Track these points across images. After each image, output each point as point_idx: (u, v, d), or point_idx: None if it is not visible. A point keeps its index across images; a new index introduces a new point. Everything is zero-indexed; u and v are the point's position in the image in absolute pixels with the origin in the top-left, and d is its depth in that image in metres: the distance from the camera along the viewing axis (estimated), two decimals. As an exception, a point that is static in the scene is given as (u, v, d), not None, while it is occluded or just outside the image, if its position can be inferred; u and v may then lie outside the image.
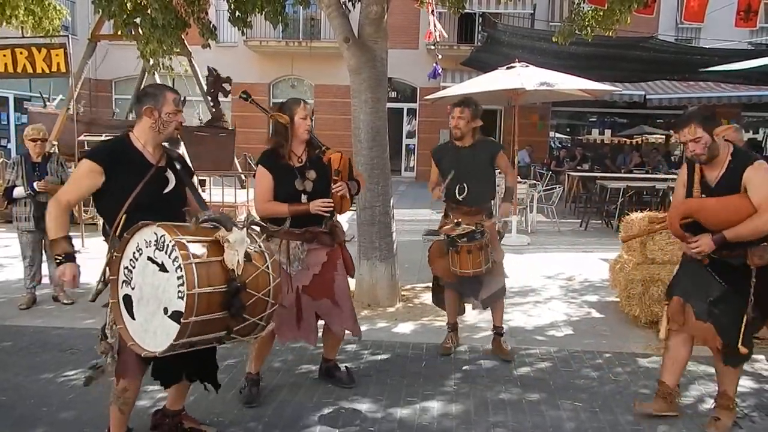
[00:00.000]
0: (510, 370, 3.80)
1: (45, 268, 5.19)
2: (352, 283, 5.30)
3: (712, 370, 3.30)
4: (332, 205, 3.15)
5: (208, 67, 10.43)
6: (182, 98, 2.66)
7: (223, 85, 10.33)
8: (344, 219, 9.39)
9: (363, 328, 4.51)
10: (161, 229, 2.20)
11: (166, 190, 2.57)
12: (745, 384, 3.63)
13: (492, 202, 4.09)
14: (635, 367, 3.89)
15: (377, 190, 5.05)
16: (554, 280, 6.27)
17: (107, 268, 2.41)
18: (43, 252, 5.13)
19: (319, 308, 3.27)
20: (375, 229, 5.10)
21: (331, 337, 3.49)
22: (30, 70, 8.34)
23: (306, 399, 3.34)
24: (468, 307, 4.37)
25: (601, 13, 6.49)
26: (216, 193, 8.88)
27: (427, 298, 5.41)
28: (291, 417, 3.14)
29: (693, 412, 3.25)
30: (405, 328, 4.62)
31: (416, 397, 3.39)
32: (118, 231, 2.41)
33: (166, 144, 2.65)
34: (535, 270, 6.58)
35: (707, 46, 11.87)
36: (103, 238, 2.56)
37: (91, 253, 5.36)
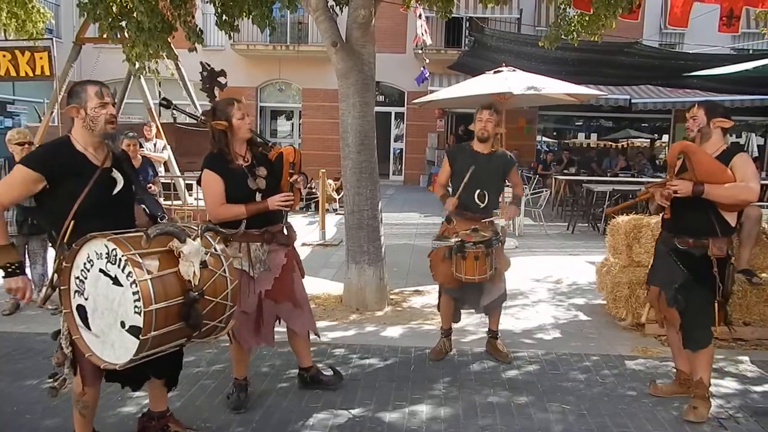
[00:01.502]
0: (498, 373, 3.81)
1: (29, 273, 5.11)
2: (339, 285, 5.32)
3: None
4: (293, 198, 3.10)
5: (201, 62, 10.25)
6: (110, 89, 2.51)
7: (218, 78, 10.19)
8: (332, 223, 9.40)
9: (351, 332, 4.55)
10: (112, 243, 2.14)
11: (115, 191, 2.48)
12: (730, 385, 3.68)
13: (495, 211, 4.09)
14: (622, 369, 3.92)
15: (365, 193, 5.05)
16: (542, 283, 6.30)
17: (56, 276, 2.34)
18: (27, 257, 5.06)
19: (280, 311, 3.24)
20: (363, 233, 5.09)
21: (299, 342, 3.43)
22: (13, 73, 8.26)
23: (294, 404, 3.32)
24: (463, 314, 4.35)
25: (587, 18, 6.55)
26: (202, 196, 8.83)
27: (416, 301, 5.43)
28: (279, 422, 3.12)
29: (678, 414, 3.27)
30: (393, 332, 4.62)
31: (405, 401, 3.39)
32: (66, 237, 2.32)
33: (106, 143, 2.51)
34: (523, 273, 6.60)
35: (691, 51, 12.04)
36: (50, 243, 2.48)
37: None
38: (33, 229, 4.89)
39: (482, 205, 3.81)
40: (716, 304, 3.11)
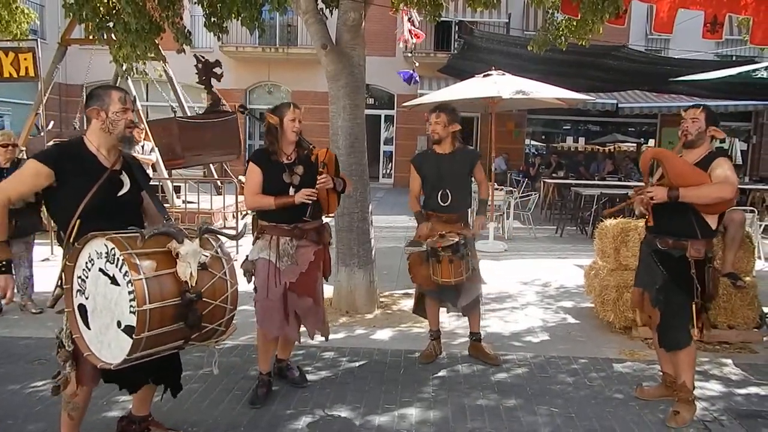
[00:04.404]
0: (487, 376, 3.82)
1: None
2: (329, 288, 5.31)
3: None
4: (316, 193, 3.24)
5: (195, 55, 10.27)
6: (132, 96, 2.65)
7: (214, 69, 10.23)
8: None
9: (341, 335, 4.53)
10: (110, 242, 2.16)
11: (120, 194, 2.52)
12: (714, 388, 3.72)
13: (468, 210, 4.14)
14: (610, 372, 3.94)
15: (355, 196, 5.04)
16: (530, 285, 6.33)
17: (63, 275, 2.37)
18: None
19: (299, 306, 3.32)
20: (353, 235, 5.09)
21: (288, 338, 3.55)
22: (-3, 74, 8.13)
23: (282, 407, 3.31)
24: (443, 313, 4.35)
25: (575, 23, 6.61)
26: (191, 199, 8.77)
27: (405, 304, 5.43)
28: (267, 425, 3.10)
29: (664, 417, 3.30)
30: (383, 334, 4.61)
31: (394, 404, 3.38)
32: (72, 237, 2.36)
33: (121, 147, 2.59)
34: (512, 276, 6.63)
35: (676, 57, 12.19)
36: (57, 243, 2.52)
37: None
38: (16, 231, 4.81)
39: (445, 205, 3.86)
40: (694, 306, 3.15)
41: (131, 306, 2.09)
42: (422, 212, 3.98)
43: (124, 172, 2.55)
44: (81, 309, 2.30)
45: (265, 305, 3.25)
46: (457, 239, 3.71)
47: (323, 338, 3.53)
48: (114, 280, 2.16)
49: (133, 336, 2.08)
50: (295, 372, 3.62)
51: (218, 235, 2.45)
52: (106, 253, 2.18)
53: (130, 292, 2.09)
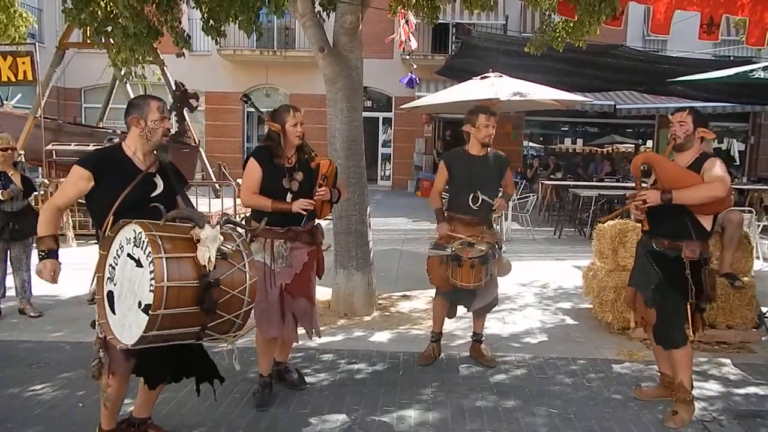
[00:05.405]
0: (486, 378, 3.82)
1: (10, 280, 5.04)
2: (327, 291, 5.31)
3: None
4: (314, 205, 3.26)
5: (175, 81, 10.27)
6: (167, 105, 2.78)
7: (190, 100, 10.21)
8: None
9: (339, 337, 4.53)
10: (138, 227, 2.25)
11: (154, 194, 2.64)
12: (713, 388, 3.72)
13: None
14: (608, 373, 3.95)
15: (353, 199, 5.05)
16: (529, 287, 6.33)
17: (97, 266, 2.46)
18: (8, 263, 4.99)
19: (295, 307, 3.34)
20: (351, 238, 5.09)
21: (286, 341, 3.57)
22: (-4, 77, 8.15)
23: (282, 410, 3.31)
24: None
25: (572, 25, 6.63)
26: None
27: (404, 306, 5.43)
28: (266, 428, 3.10)
29: (663, 417, 3.30)
30: (381, 337, 4.61)
31: (393, 406, 3.38)
32: (106, 233, 2.48)
33: (156, 154, 2.72)
34: (510, 277, 6.61)
35: (674, 56, 12.22)
36: (95, 240, 2.63)
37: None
38: (15, 234, 4.82)
39: (476, 207, 3.82)
40: (689, 306, 3.17)
41: (151, 285, 2.15)
42: (443, 211, 3.95)
43: (158, 175, 2.69)
44: (109, 295, 2.38)
45: (262, 307, 3.25)
46: (485, 250, 3.68)
47: (316, 337, 3.54)
48: (139, 263, 2.23)
49: (150, 312, 2.12)
50: (294, 375, 3.63)
51: (237, 227, 2.54)
52: (134, 238, 2.27)
53: (151, 272, 2.15)
